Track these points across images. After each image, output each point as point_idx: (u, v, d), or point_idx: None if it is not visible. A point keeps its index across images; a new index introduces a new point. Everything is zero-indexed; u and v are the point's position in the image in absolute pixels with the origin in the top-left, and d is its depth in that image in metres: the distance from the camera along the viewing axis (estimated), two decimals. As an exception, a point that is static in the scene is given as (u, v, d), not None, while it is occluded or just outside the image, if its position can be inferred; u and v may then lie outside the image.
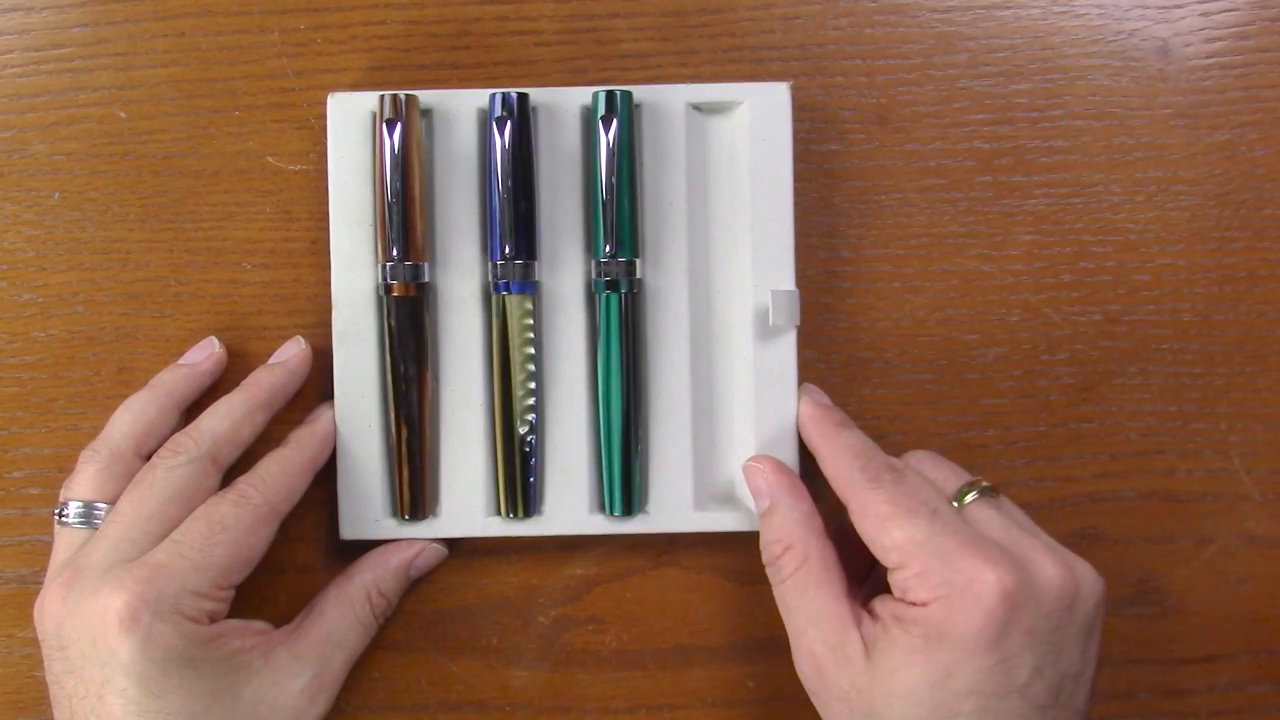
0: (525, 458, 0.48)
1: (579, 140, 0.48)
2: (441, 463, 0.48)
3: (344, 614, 0.47)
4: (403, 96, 0.46)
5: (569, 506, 0.48)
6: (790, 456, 0.48)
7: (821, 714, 0.44)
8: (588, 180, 0.48)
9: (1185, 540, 0.51)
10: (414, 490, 0.48)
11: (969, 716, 0.40)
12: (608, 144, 0.47)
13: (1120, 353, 0.50)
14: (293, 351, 0.49)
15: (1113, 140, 0.50)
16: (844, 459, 0.45)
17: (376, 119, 0.47)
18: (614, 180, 0.47)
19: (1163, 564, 0.51)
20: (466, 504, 0.48)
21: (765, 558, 0.46)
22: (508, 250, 0.47)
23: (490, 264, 0.47)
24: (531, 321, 0.47)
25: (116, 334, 0.50)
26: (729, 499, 0.49)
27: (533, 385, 0.48)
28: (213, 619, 0.43)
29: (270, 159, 0.49)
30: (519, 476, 0.48)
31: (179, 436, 0.46)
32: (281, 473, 0.46)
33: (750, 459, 0.48)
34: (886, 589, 0.43)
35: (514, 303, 0.47)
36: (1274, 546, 0.51)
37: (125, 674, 0.41)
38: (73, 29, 0.49)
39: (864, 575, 0.47)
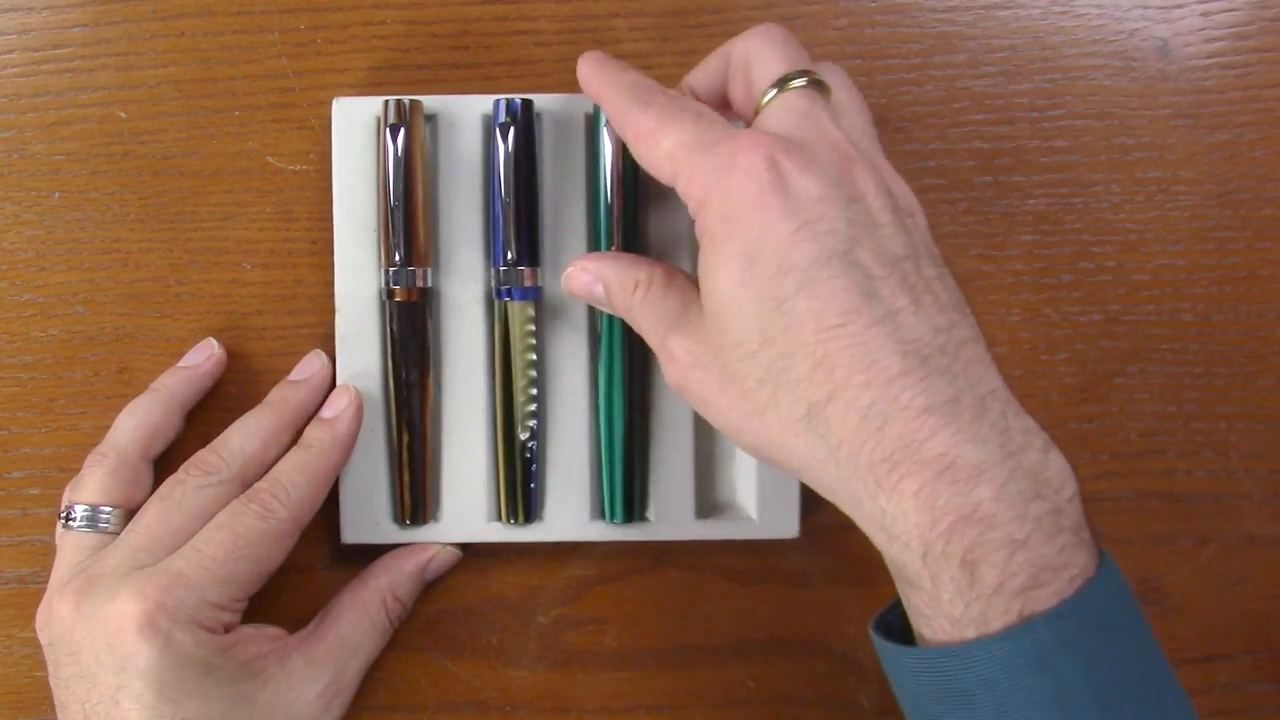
0: (526, 464, 0.48)
1: (583, 146, 0.48)
2: (443, 468, 0.48)
3: (359, 619, 0.47)
4: (407, 102, 0.46)
5: (569, 512, 0.48)
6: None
7: (705, 413, 0.39)
8: (590, 187, 0.48)
9: (1185, 540, 0.51)
10: (415, 495, 0.48)
11: (797, 298, 0.36)
12: (612, 151, 0.47)
13: (1120, 353, 0.50)
14: (315, 368, 0.48)
15: (1113, 140, 0.50)
16: (620, 91, 0.41)
17: (380, 123, 0.46)
18: (620, 187, 0.47)
19: (1163, 564, 0.51)
20: (467, 509, 0.48)
21: (623, 312, 0.42)
22: (510, 256, 0.47)
23: (493, 270, 0.47)
24: (534, 328, 0.47)
25: (116, 334, 0.50)
26: (730, 507, 0.49)
27: (534, 391, 0.48)
28: (227, 629, 0.44)
29: (270, 159, 0.49)
30: (520, 482, 0.48)
31: (208, 455, 0.46)
32: (306, 484, 0.45)
33: (565, 273, 0.44)
34: None
35: (516, 309, 0.47)
36: (1274, 546, 0.51)
37: (142, 680, 0.41)
38: (73, 29, 0.49)
39: None
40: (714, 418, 0.39)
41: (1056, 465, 0.35)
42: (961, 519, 0.34)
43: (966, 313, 0.37)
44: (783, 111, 0.39)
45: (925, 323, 0.36)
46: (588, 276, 0.43)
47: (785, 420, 0.36)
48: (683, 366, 0.39)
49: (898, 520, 0.34)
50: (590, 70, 0.42)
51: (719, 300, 0.37)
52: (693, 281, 0.41)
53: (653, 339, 0.41)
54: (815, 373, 0.35)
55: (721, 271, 0.37)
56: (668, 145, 0.38)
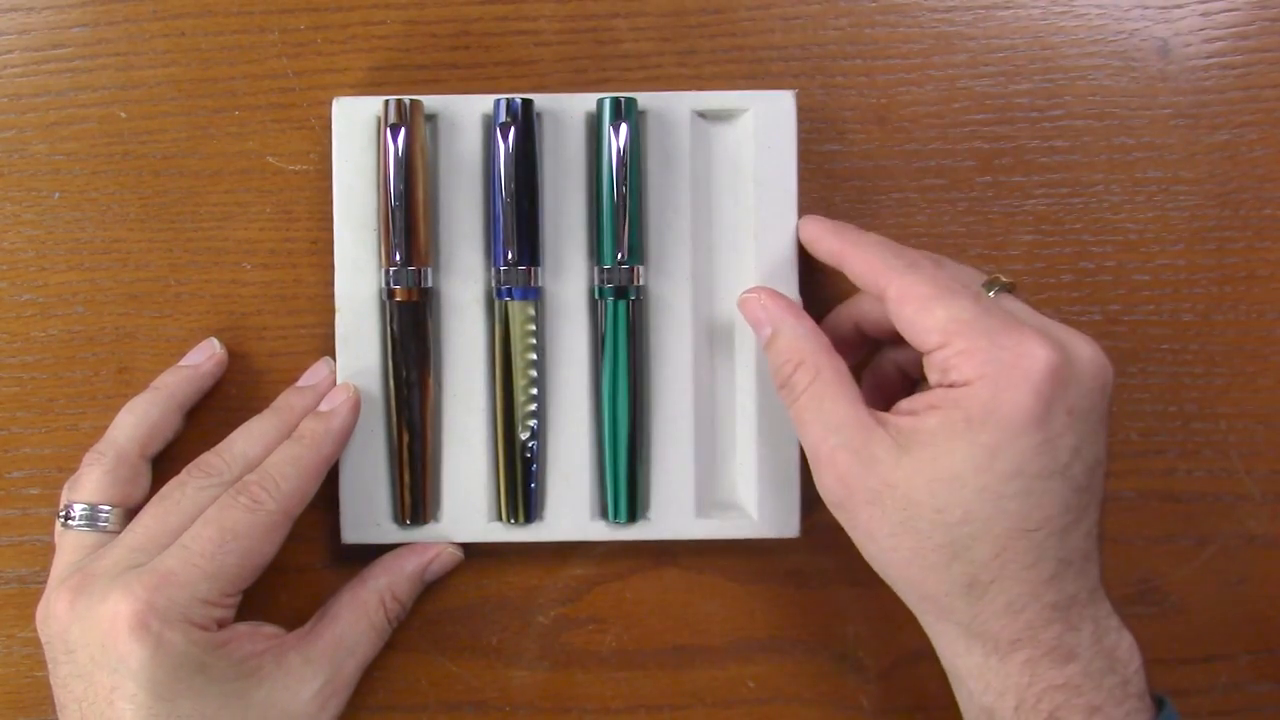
0: (526, 463, 0.48)
1: (583, 146, 0.48)
2: (443, 468, 0.48)
3: (357, 619, 0.47)
4: (407, 101, 0.46)
5: (570, 512, 0.48)
6: (793, 456, 0.48)
7: (850, 529, 0.42)
8: (592, 186, 0.48)
9: (1185, 540, 0.51)
10: (415, 495, 0.48)
11: (1013, 499, 0.39)
12: (617, 150, 0.47)
13: (1120, 353, 0.50)
14: (323, 374, 0.48)
15: (1113, 140, 0.50)
16: (876, 251, 0.43)
17: (381, 123, 0.46)
18: (624, 187, 0.47)
19: (1163, 564, 0.51)
20: (467, 509, 0.48)
21: (777, 380, 0.44)
22: (511, 256, 0.47)
23: (493, 270, 0.47)
24: (534, 327, 0.47)
25: (116, 334, 0.50)
26: (731, 506, 0.49)
27: (534, 391, 0.48)
28: (220, 625, 0.43)
29: (270, 159, 0.49)
30: (520, 482, 0.48)
31: (211, 457, 0.46)
32: (296, 475, 0.45)
33: (745, 292, 0.47)
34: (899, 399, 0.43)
35: (516, 308, 0.47)
36: (1274, 546, 0.51)
37: (135, 680, 0.41)
38: (73, 29, 0.49)
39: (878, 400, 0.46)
40: (864, 542, 0.42)
41: (1126, 644, 0.41)
42: (1053, 686, 0.40)
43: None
44: (1025, 311, 0.42)
45: (1081, 536, 0.40)
46: (761, 313, 0.45)
47: (944, 580, 0.40)
48: (854, 492, 0.41)
49: (1002, 677, 0.40)
50: (823, 231, 0.46)
51: (944, 472, 0.39)
52: (854, 385, 0.43)
53: (813, 436, 0.42)
54: (994, 560, 0.39)
55: (962, 452, 0.39)
56: (942, 315, 0.40)
